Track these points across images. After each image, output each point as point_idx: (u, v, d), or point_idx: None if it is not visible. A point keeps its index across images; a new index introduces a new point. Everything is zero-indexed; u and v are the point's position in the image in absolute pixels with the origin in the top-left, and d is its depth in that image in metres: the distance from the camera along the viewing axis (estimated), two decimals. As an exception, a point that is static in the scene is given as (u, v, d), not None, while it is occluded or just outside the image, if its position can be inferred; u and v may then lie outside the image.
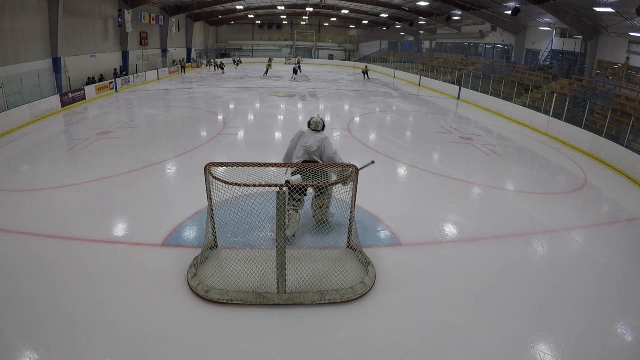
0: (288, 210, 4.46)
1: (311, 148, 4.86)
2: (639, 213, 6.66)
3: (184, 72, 27.70)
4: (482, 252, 4.97)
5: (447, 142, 10.49)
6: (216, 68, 29.20)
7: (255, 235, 4.82)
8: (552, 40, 18.80)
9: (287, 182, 4.18)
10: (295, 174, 4.48)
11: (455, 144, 10.37)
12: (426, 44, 34.58)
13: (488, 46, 25.13)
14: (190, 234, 5.09)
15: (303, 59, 35.59)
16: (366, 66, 30.33)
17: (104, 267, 4.29)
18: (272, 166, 4.28)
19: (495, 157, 9.35)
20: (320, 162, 4.88)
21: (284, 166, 4.53)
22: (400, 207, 6.24)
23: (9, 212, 5.58)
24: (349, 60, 39.98)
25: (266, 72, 27.17)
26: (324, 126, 5.12)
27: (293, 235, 4.83)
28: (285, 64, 36.99)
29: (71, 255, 4.53)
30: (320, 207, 5.05)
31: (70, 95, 14.19)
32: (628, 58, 14.59)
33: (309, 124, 5.09)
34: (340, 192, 4.43)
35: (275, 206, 3.62)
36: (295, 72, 26.03)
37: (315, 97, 17.84)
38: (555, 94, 13.10)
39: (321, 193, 5.00)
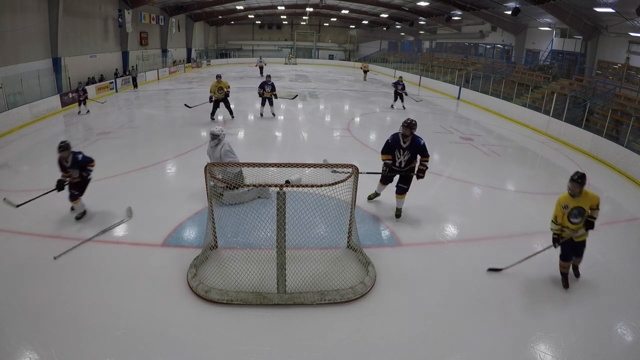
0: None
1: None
2: (639, 213, 6.66)
3: (136, 87, 19.04)
4: (482, 252, 4.96)
5: (447, 142, 10.48)
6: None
7: (255, 235, 4.81)
8: (552, 40, 18.79)
9: (287, 181, 4.19)
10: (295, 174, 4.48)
11: (455, 144, 10.37)
12: (426, 44, 34.55)
13: (488, 46, 25.10)
14: (190, 234, 5.09)
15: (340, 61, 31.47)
16: None
17: (104, 267, 4.30)
18: (272, 166, 4.28)
19: (495, 157, 9.35)
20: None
21: (284, 166, 4.53)
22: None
23: (9, 212, 5.57)
24: (349, 60, 39.97)
25: (364, 77, 26.02)
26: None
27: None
28: (285, 64, 37.01)
29: (71, 255, 4.53)
30: None
31: (70, 95, 14.18)
32: (628, 58, 14.58)
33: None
34: (340, 192, 4.41)
35: (275, 206, 3.62)
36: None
37: (315, 97, 17.82)
38: (555, 94, 13.08)
39: None
